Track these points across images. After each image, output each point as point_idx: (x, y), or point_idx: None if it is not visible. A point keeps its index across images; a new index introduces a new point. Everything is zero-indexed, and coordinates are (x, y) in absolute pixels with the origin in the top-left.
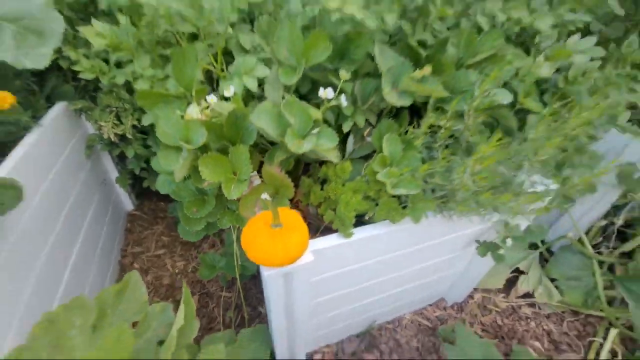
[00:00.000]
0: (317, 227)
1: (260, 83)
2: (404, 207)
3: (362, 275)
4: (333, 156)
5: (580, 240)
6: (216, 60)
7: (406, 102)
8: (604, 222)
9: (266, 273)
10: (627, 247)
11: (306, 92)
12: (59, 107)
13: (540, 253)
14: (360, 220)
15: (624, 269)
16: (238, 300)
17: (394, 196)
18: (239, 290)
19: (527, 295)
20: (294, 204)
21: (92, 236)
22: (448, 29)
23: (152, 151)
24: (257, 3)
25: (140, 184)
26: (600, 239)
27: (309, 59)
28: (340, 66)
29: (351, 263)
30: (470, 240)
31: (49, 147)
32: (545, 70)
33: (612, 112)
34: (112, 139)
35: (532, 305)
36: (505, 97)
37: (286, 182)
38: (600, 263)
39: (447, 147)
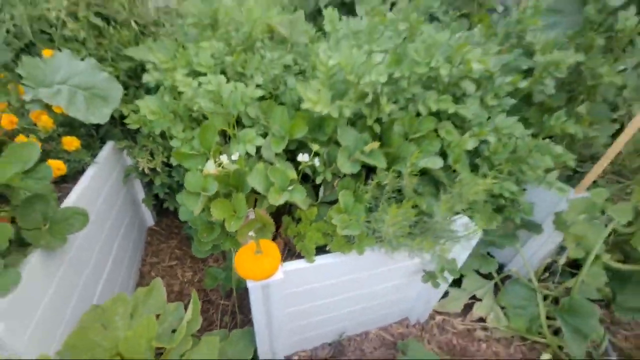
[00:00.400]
0: (294, 252)
1: (260, 147)
2: (352, 243)
3: (325, 292)
4: (302, 205)
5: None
6: (231, 126)
7: (355, 169)
8: (550, 260)
9: (250, 285)
10: (571, 283)
11: (294, 148)
12: (109, 146)
13: (495, 283)
14: (324, 250)
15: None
16: (234, 308)
17: (345, 235)
18: (235, 299)
19: (482, 319)
20: (279, 234)
21: (122, 248)
22: (401, 109)
23: (175, 180)
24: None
25: (161, 204)
26: (547, 274)
27: (292, 134)
28: (317, 136)
29: (315, 282)
30: (419, 269)
31: (100, 178)
32: (470, 144)
33: (536, 174)
34: (146, 171)
35: (485, 329)
36: (437, 163)
37: (269, 221)
38: (546, 296)
39: (390, 199)
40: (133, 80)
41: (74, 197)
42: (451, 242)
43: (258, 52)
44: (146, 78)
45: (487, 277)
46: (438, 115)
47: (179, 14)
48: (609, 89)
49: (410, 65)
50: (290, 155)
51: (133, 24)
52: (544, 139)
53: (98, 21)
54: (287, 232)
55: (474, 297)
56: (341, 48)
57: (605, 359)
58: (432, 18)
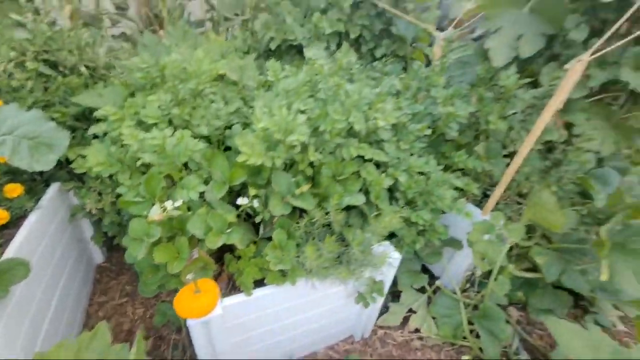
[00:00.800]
0: (238, 286)
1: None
2: (286, 275)
3: (266, 320)
4: (239, 245)
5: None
6: (177, 173)
7: (287, 211)
8: (469, 272)
9: (190, 323)
10: (486, 292)
11: (240, 188)
12: (53, 188)
13: (429, 296)
14: (263, 282)
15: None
16: (184, 342)
17: (279, 269)
18: (185, 333)
19: (417, 330)
20: (223, 270)
21: (67, 288)
22: (330, 153)
23: (124, 218)
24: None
25: (111, 240)
26: (468, 285)
27: (232, 180)
28: (257, 180)
29: (255, 313)
30: (355, 291)
31: (44, 221)
32: (387, 182)
33: (444, 203)
34: (93, 212)
35: (421, 338)
36: (359, 200)
37: (210, 261)
38: (468, 304)
39: (321, 233)
40: (82, 122)
41: (16, 244)
42: (372, 268)
43: (207, 98)
44: (94, 130)
45: (423, 290)
46: (363, 157)
47: (127, 68)
48: (498, 132)
49: (332, 122)
50: (235, 194)
51: (83, 68)
52: (455, 170)
53: (46, 69)
54: (229, 268)
55: (411, 310)
56: (274, 106)
57: (517, 358)
58: (374, 58)
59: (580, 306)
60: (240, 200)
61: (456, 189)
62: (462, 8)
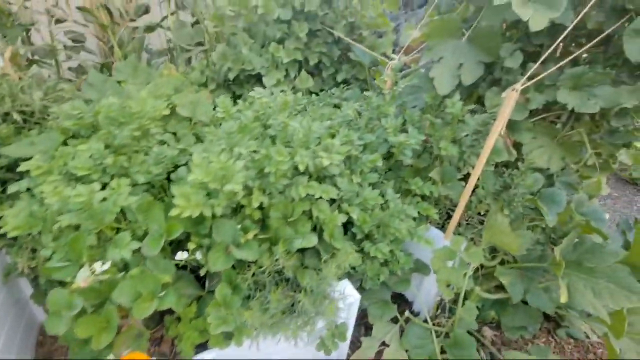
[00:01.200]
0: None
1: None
2: (232, 336)
3: None
4: (175, 308)
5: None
6: (109, 228)
7: (228, 265)
8: (439, 298)
9: None
10: (455, 319)
11: (184, 237)
12: None
13: (401, 325)
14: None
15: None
16: None
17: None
18: None
19: None
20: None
21: (5, 353)
22: (280, 192)
23: None
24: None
25: None
26: (439, 311)
27: (170, 233)
28: (199, 229)
29: None
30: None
31: None
32: (340, 219)
33: (402, 234)
34: (25, 271)
35: None
36: (311, 241)
37: (143, 329)
38: (439, 333)
39: (272, 280)
40: (13, 173)
41: None
42: (324, 318)
43: (154, 138)
44: (13, 188)
45: (395, 320)
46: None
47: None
48: (451, 156)
49: (275, 163)
50: (178, 245)
51: (15, 115)
52: (415, 195)
53: None
54: (169, 332)
55: (384, 343)
56: (214, 150)
57: None
58: (336, 82)
59: (552, 319)
60: (180, 255)
61: (418, 215)
62: (409, 36)
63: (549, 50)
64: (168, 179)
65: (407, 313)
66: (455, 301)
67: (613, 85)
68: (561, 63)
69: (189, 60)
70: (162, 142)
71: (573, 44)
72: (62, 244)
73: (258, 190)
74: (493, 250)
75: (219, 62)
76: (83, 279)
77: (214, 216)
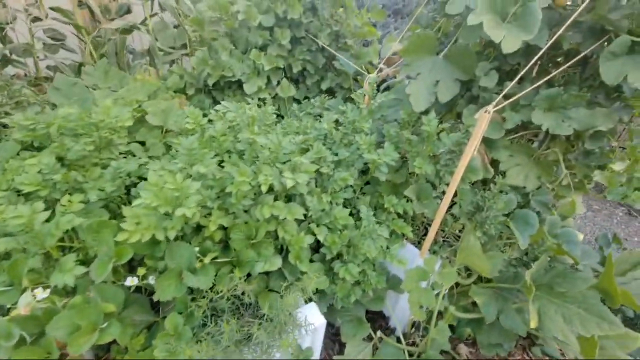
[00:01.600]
0: None
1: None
2: None
3: None
4: (120, 340)
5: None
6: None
7: (179, 293)
8: (413, 317)
9: None
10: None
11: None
12: None
13: (375, 344)
14: None
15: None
16: None
17: None
18: None
19: None
20: None
21: None
22: (246, 211)
23: None
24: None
25: None
26: (413, 329)
27: (120, 257)
28: (154, 252)
29: None
30: None
31: None
32: (307, 240)
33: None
34: None
35: None
36: (275, 265)
37: (90, 359)
38: (412, 353)
39: (233, 305)
40: None
41: None
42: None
43: (116, 149)
44: None
45: (370, 337)
46: None
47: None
48: (427, 174)
49: (237, 184)
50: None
51: None
52: (390, 212)
53: None
54: None
55: None
56: (170, 169)
57: None
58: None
59: (528, 336)
60: (130, 281)
61: (393, 232)
62: (390, 48)
63: (524, 70)
64: (129, 193)
65: (379, 333)
66: (430, 319)
67: (588, 107)
68: (537, 84)
69: (172, 63)
70: (129, 153)
71: (550, 64)
72: (4, 267)
73: (219, 210)
74: (468, 268)
75: (198, 67)
76: (24, 305)
77: (168, 239)
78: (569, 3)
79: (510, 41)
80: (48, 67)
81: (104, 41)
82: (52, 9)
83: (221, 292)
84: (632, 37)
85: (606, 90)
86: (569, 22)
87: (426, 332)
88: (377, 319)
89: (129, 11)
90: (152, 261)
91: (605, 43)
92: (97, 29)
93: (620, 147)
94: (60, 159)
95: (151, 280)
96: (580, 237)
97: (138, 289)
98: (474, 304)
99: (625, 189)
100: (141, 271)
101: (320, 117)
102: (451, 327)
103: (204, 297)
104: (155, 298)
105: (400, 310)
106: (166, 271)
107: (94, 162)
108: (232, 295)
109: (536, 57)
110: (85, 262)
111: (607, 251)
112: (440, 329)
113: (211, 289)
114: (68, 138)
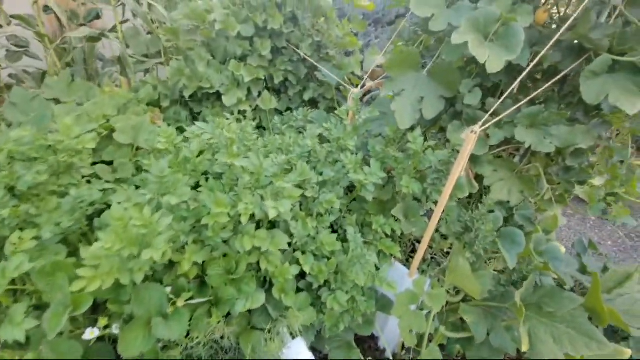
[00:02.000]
0: None
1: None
2: None
3: None
4: None
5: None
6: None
7: (146, 348)
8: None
9: None
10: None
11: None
12: None
13: None
14: None
15: None
16: None
17: None
18: None
19: None
20: None
21: None
22: (225, 241)
23: None
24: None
25: None
26: (404, 351)
27: (78, 306)
28: (120, 296)
29: None
30: None
31: None
32: (292, 271)
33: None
34: None
35: None
36: (258, 301)
37: None
38: None
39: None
40: None
41: None
42: None
43: (78, 173)
44: None
45: None
46: None
47: None
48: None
49: (214, 216)
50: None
51: None
52: (377, 232)
53: None
54: None
55: None
56: (135, 202)
57: None
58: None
59: (518, 352)
60: (89, 333)
61: (379, 252)
62: (374, 62)
63: (508, 92)
64: (92, 222)
65: (370, 359)
66: (421, 341)
67: (568, 124)
68: (519, 104)
69: (145, 72)
70: (94, 176)
71: (528, 80)
72: None
73: (194, 244)
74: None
75: (174, 78)
76: None
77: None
78: (549, 20)
79: (494, 61)
80: (10, 76)
81: (70, 49)
82: (12, 17)
83: (197, 338)
84: (613, 56)
85: (585, 107)
86: (552, 41)
87: (417, 354)
88: (366, 340)
89: (98, 17)
90: (117, 306)
91: (584, 62)
92: (62, 36)
93: (597, 163)
94: (11, 189)
95: (115, 329)
96: (563, 250)
97: (102, 337)
98: (463, 319)
99: (604, 205)
100: (102, 322)
101: (304, 129)
102: (441, 345)
103: (177, 344)
104: (119, 352)
105: (390, 331)
106: (132, 321)
107: (51, 189)
108: (210, 340)
109: (520, 77)
110: (40, 306)
111: (585, 258)
112: (432, 351)
113: (186, 335)
114: (20, 164)
